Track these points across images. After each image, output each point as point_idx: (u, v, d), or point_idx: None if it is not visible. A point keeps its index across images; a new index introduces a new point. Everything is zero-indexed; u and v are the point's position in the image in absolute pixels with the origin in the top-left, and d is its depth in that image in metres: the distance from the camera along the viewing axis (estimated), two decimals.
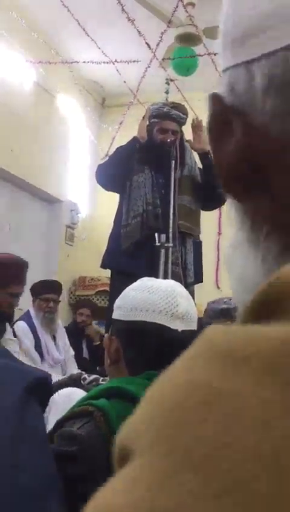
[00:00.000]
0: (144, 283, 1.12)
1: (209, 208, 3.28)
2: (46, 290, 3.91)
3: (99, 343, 4.72)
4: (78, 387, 1.39)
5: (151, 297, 1.07)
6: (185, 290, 1.16)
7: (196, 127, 3.18)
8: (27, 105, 4.97)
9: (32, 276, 4.75)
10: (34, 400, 0.72)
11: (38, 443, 0.73)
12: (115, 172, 3.12)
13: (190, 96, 4.98)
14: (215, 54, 2.75)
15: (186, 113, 3.17)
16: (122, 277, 3.09)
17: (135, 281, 3.63)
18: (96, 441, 0.93)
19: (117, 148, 3.23)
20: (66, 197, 5.71)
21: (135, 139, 3.13)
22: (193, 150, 3.23)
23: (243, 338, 0.23)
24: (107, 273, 5.13)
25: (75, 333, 4.51)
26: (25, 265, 3.01)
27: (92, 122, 6.16)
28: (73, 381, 1.42)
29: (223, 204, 3.29)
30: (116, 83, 5.73)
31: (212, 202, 3.17)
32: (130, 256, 3.01)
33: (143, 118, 3.17)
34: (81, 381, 1.37)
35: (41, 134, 5.19)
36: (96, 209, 6.24)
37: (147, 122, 3.17)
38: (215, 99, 0.37)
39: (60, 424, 0.99)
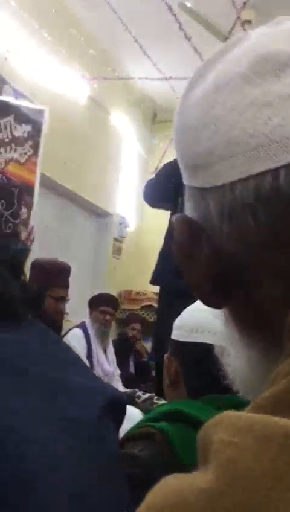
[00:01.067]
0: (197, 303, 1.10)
1: None
2: (104, 303, 4.02)
3: (147, 359, 4.70)
4: (132, 405, 1.36)
5: (213, 318, 1.04)
6: None
7: None
8: (81, 120, 5.05)
9: (80, 288, 4.80)
10: (110, 420, 0.69)
11: (116, 473, 0.70)
12: (162, 190, 3.09)
13: None
14: None
15: None
16: (171, 295, 3.05)
17: (185, 299, 3.52)
18: (157, 465, 0.89)
19: (165, 165, 3.19)
20: (115, 210, 5.75)
21: None
22: None
23: None
24: (153, 288, 5.12)
25: (124, 348, 4.49)
26: (66, 270, 3.00)
27: (144, 137, 6.20)
28: (127, 399, 1.40)
29: None
30: (168, 98, 5.75)
31: None
32: (180, 274, 2.96)
33: None
34: (136, 399, 1.35)
35: (94, 148, 5.25)
36: (143, 223, 6.25)
37: None
38: (184, 221, 0.41)
39: (119, 445, 0.97)
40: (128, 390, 1.41)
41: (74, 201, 5.29)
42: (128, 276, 5.86)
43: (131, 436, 0.94)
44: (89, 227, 5.60)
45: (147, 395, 1.39)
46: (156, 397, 1.41)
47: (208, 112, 0.38)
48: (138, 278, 5.91)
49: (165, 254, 3.07)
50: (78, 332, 3.78)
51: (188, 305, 3.49)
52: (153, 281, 3.22)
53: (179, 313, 3.47)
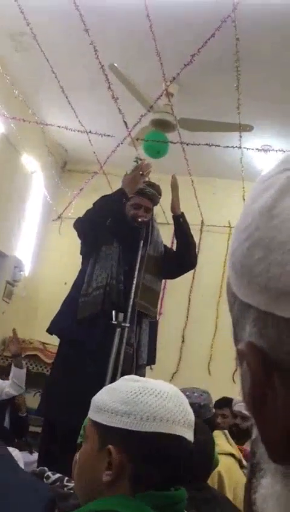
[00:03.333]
0: (146, 385, 0.99)
1: (180, 273, 3.30)
2: None
3: (26, 414, 4.43)
4: None
5: (167, 404, 0.96)
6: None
7: (174, 186, 3.20)
8: None
9: None
10: None
11: None
12: (95, 219, 2.98)
13: (154, 176, 5.11)
14: (187, 144, 2.83)
15: (160, 193, 3.19)
16: (69, 347, 2.95)
17: (83, 353, 3.40)
18: None
19: (102, 197, 3.11)
20: (12, 252, 5.55)
21: (122, 191, 3.02)
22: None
23: None
24: (41, 337, 4.95)
25: None
26: None
27: (52, 183, 6.15)
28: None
29: (194, 268, 3.34)
30: (81, 150, 5.81)
31: (183, 267, 3.23)
32: (83, 327, 2.89)
33: (142, 173, 3.02)
34: (44, 479, 1.23)
35: (0, 187, 5.09)
36: (39, 270, 6.09)
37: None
38: (256, 352, 0.34)
39: None
40: (37, 469, 1.28)
41: None
42: (17, 322, 5.60)
43: None
44: None
45: (57, 475, 1.26)
46: (66, 478, 1.28)
47: None
48: (26, 325, 5.68)
49: (70, 304, 2.98)
50: None
51: (88, 362, 3.33)
52: (51, 330, 3.10)
53: (76, 368, 3.30)
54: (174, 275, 3.35)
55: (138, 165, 3.13)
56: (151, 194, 3.11)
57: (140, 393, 0.97)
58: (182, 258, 3.16)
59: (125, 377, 1.05)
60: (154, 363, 3.15)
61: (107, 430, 0.96)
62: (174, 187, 3.19)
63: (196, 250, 3.31)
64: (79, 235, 3.05)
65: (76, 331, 2.89)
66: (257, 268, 0.34)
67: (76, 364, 2.80)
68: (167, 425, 0.94)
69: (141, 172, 3.03)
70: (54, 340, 3.36)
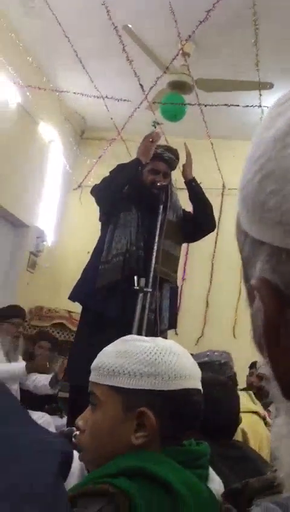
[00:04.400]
0: (159, 344, 1.01)
1: (199, 235, 3.28)
2: (15, 314, 3.89)
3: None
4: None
5: (183, 361, 1.01)
6: None
7: (187, 154, 3.19)
8: (8, 126, 4.88)
9: None
10: (62, 481, 0.63)
11: None
12: (112, 187, 2.95)
13: (172, 140, 5.03)
14: (205, 105, 2.74)
15: (178, 157, 3.15)
16: (92, 314, 2.98)
17: (105, 319, 3.39)
18: None
19: (118, 165, 3.08)
20: (34, 222, 5.58)
21: (137, 160, 3.00)
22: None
23: None
24: (67, 306, 5.00)
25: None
26: None
27: (70, 151, 6.11)
28: (64, 438, 1.30)
29: (213, 230, 3.33)
30: (99, 116, 5.74)
31: (202, 229, 3.20)
32: (104, 294, 2.90)
33: (152, 140, 3.01)
34: (73, 439, 1.25)
35: (18, 157, 5.08)
36: (61, 239, 6.12)
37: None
38: (269, 287, 0.33)
39: (70, 500, 0.84)
40: (66, 429, 1.31)
41: None
42: (41, 292, 5.68)
43: (85, 491, 0.85)
44: (5, 238, 5.38)
45: None
46: None
47: None
48: (51, 294, 5.75)
49: (90, 271, 2.99)
50: None
51: (109, 329, 3.30)
52: (73, 297, 3.12)
53: (97, 335, 3.30)
54: (193, 238, 3.32)
55: (146, 135, 3.09)
56: (169, 159, 3.07)
57: (159, 353, 0.99)
58: (200, 220, 3.14)
59: (126, 337, 1.05)
60: (175, 327, 3.16)
61: (132, 393, 0.97)
62: (188, 155, 3.20)
63: (214, 212, 3.27)
64: (97, 202, 3.04)
65: (97, 298, 2.91)
66: (270, 202, 0.32)
67: (97, 331, 2.82)
68: (187, 381, 0.99)
69: (151, 139, 3.00)
70: (79, 308, 3.39)
